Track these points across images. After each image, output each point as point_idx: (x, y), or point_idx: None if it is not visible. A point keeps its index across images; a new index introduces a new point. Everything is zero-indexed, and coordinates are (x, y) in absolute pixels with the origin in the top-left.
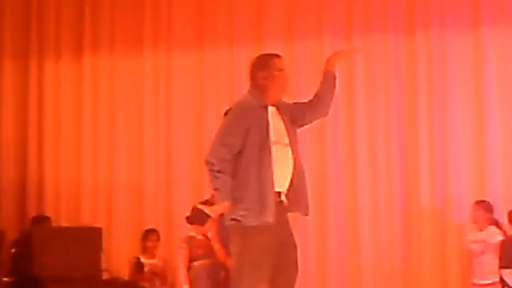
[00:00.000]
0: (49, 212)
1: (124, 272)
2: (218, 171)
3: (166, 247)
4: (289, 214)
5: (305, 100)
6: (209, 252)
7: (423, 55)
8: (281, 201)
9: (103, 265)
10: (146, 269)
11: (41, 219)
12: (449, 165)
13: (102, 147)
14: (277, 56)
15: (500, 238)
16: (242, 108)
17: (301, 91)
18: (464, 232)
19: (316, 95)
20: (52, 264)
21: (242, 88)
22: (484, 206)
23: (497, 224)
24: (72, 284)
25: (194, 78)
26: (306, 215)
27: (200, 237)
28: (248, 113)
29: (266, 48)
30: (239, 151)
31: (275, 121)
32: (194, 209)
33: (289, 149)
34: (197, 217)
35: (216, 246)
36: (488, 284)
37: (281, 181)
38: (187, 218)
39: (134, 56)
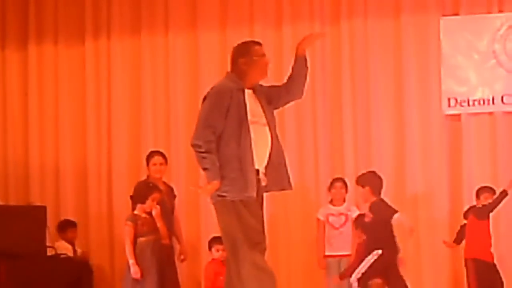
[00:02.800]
0: None
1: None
2: (205, 152)
3: (108, 226)
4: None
5: (280, 84)
6: (153, 229)
7: (347, 42)
8: (259, 180)
9: (48, 242)
10: None
11: None
12: (372, 148)
13: (48, 133)
14: (257, 43)
15: (358, 212)
16: (220, 91)
17: None
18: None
19: (289, 78)
20: None
21: (177, 72)
22: (343, 182)
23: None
24: (18, 260)
25: (132, 65)
26: (290, 189)
27: (144, 215)
28: (226, 95)
29: (200, 36)
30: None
31: (252, 102)
32: (136, 188)
33: (266, 128)
34: (138, 196)
35: (159, 223)
36: (347, 255)
37: (259, 159)
38: (131, 198)
39: (76, 44)
